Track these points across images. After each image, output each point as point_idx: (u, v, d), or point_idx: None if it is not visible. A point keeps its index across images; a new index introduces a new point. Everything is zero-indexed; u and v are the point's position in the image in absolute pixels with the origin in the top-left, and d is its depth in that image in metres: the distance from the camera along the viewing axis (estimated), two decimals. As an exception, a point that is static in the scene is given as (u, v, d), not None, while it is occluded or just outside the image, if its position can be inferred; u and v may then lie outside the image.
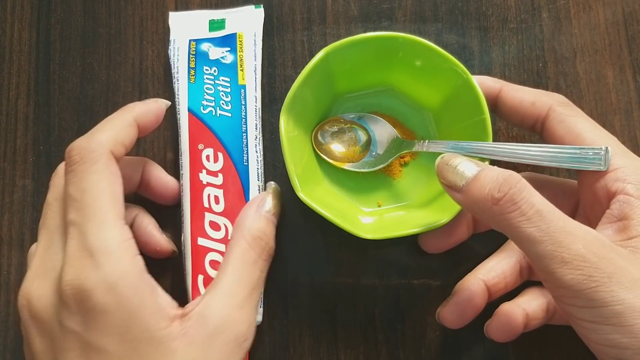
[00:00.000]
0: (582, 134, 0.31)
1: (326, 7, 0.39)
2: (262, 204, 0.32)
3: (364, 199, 0.36)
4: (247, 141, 0.35)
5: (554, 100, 0.32)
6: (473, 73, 0.33)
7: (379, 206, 0.36)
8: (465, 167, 0.28)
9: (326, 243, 0.37)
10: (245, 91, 0.36)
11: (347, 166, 0.36)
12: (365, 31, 0.37)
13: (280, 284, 0.36)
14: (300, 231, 0.37)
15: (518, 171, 0.37)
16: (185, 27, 0.38)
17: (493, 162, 0.36)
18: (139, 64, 0.39)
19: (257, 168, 0.35)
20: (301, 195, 0.31)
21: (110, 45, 0.39)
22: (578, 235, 0.24)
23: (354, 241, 0.32)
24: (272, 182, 0.34)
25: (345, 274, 0.36)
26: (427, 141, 0.35)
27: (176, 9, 0.39)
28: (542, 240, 0.24)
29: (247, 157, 0.34)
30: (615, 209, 0.28)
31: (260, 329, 0.36)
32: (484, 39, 0.39)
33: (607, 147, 0.29)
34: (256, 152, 0.35)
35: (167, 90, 0.38)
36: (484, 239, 0.36)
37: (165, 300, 0.27)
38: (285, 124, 0.32)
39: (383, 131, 0.36)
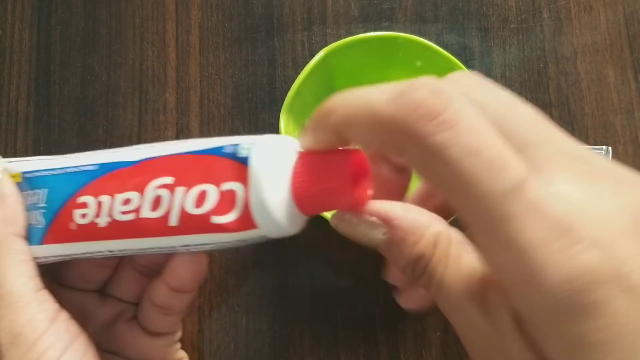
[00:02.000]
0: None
1: (326, 8, 0.39)
2: None
3: (365, 200, 0.36)
4: None
5: None
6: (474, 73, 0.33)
7: (380, 206, 0.36)
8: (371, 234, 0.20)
9: (327, 243, 0.36)
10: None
11: (347, 166, 0.36)
12: (365, 31, 0.37)
13: (280, 284, 0.36)
14: (300, 231, 0.37)
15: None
16: None
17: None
18: (139, 65, 0.39)
19: None
20: (301, 195, 0.31)
21: (110, 46, 0.39)
22: None
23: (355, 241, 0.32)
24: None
25: (345, 274, 0.36)
26: (427, 141, 0.35)
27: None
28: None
29: None
30: None
31: (260, 329, 0.36)
32: (484, 39, 0.39)
33: (608, 147, 0.29)
34: None
35: (167, 91, 0.38)
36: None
37: None
38: (285, 124, 0.32)
39: (383, 131, 0.36)
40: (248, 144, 0.21)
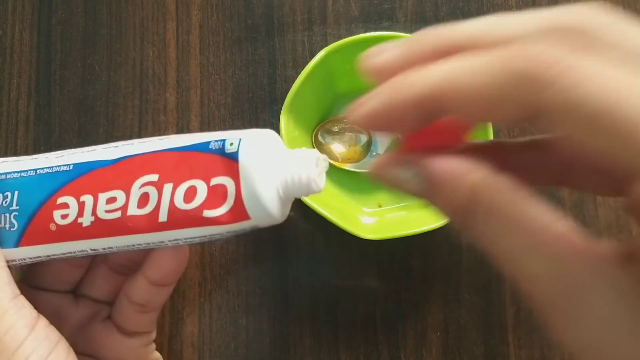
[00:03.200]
0: None
1: (327, 8, 0.39)
2: None
3: (365, 200, 0.36)
4: None
5: None
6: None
7: (380, 207, 0.36)
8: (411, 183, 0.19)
9: (327, 243, 0.36)
10: None
11: (347, 166, 0.36)
12: (365, 31, 0.37)
13: (281, 284, 0.36)
14: (301, 232, 0.37)
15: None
16: None
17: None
18: (139, 65, 0.39)
19: None
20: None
21: (111, 46, 0.39)
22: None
23: (355, 242, 0.32)
24: None
25: (346, 274, 0.36)
26: (427, 141, 0.35)
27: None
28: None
29: None
30: None
31: (260, 329, 0.36)
32: (485, 39, 0.39)
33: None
34: None
35: (168, 91, 0.38)
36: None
37: None
38: (285, 124, 0.32)
39: (384, 131, 0.36)
40: (234, 139, 0.22)
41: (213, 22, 0.39)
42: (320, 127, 0.36)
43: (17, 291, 0.24)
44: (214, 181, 0.22)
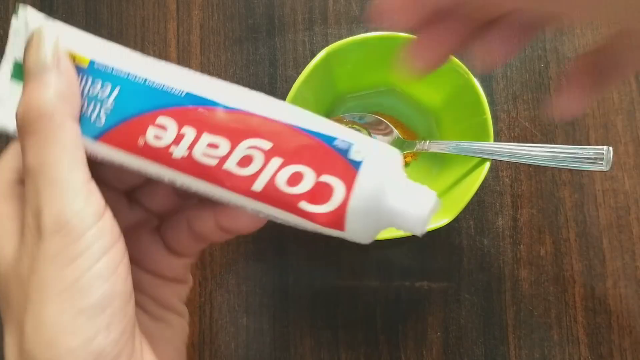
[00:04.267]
0: None
1: (328, 7, 0.39)
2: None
3: (365, 200, 0.36)
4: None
5: None
6: (474, 73, 0.33)
7: (380, 206, 0.36)
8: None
9: (327, 243, 0.36)
10: None
11: (348, 166, 0.36)
12: (366, 31, 0.37)
13: (281, 284, 0.36)
14: (301, 231, 0.37)
15: (519, 171, 0.37)
16: None
17: (495, 163, 0.36)
18: (140, 64, 0.39)
19: None
20: (302, 195, 0.31)
21: (111, 46, 0.39)
22: None
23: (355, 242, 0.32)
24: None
25: (346, 274, 0.36)
26: (428, 141, 0.35)
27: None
28: None
29: None
30: None
31: (260, 329, 0.36)
32: (485, 39, 0.39)
33: (609, 147, 0.29)
34: None
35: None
36: (486, 239, 0.36)
37: None
38: (286, 124, 0.32)
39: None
40: (362, 149, 0.21)
41: (214, 22, 0.39)
42: (321, 127, 0.36)
43: (89, 175, 0.22)
44: (325, 177, 0.21)
